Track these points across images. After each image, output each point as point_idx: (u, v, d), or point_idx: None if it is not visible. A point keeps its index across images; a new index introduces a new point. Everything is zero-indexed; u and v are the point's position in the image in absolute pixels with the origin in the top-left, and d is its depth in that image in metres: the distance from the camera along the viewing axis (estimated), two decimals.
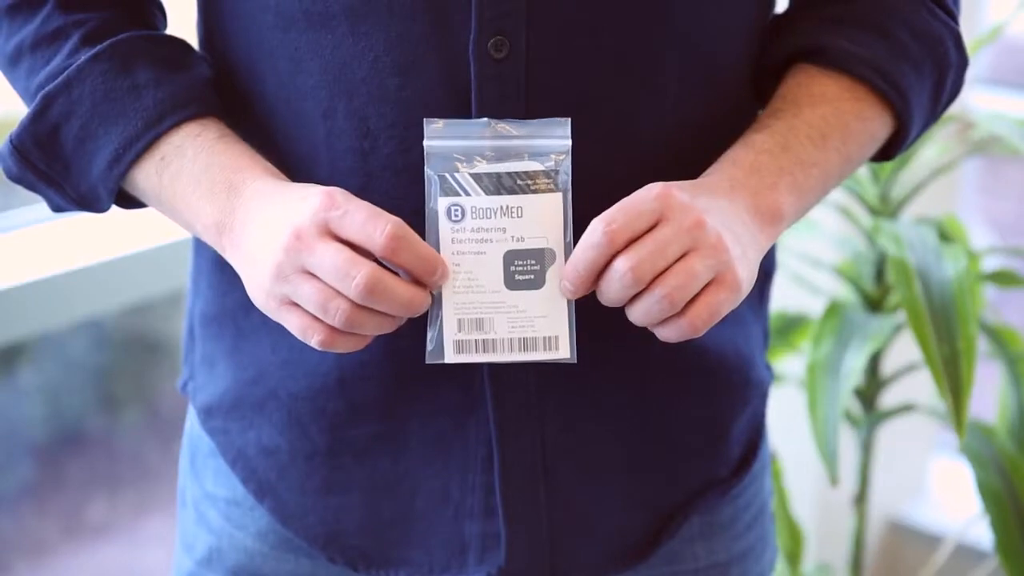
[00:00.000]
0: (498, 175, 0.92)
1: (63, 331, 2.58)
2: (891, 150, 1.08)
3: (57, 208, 1.03)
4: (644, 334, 1.03)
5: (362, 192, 0.98)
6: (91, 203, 1.02)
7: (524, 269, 0.92)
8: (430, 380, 1.02)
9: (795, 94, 1.03)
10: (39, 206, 2.02)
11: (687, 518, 1.11)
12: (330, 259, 0.89)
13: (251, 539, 1.11)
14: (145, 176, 0.99)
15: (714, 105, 1.03)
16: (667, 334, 0.93)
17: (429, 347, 0.93)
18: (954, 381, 1.42)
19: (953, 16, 1.08)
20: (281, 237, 0.91)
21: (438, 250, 0.92)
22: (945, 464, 2.52)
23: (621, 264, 0.90)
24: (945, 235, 1.70)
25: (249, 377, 1.08)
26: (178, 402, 1.20)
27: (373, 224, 0.89)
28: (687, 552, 1.12)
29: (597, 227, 0.90)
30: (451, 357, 0.93)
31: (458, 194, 0.92)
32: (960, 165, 2.15)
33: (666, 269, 0.90)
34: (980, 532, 2.32)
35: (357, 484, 1.07)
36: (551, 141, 0.92)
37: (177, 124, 0.98)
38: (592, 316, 1.02)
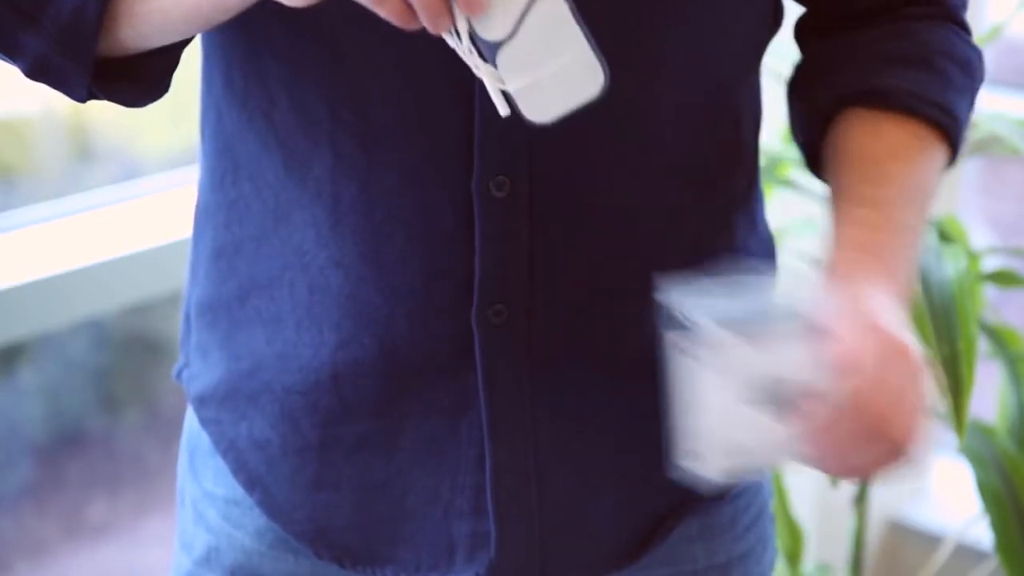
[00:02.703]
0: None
1: (63, 331, 2.58)
2: None
3: (34, 66, 0.97)
4: (637, 340, 1.03)
5: (365, 190, 0.99)
6: (76, 39, 0.95)
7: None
8: (424, 380, 1.02)
9: (870, 149, 1.03)
10: (39, 206, 2.03)
11: (681, 520, 1.10)
12: None
13: (249, 538, 1.11)
14: None
15: (714, 151, 1.04)
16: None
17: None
18: (954, 381, 1.42)
19: (971, 34, 1.09)
20: None
21: None
22: (945, 464, 2.52)
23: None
24: (945, 235, 1.70)
25: (244, 369, 1.08)
26: (178, 402, 1.20)
27: None
28: (686, 553, 1.12)
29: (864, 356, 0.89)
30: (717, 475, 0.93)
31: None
32: (960, 165, 2.15)
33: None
34: (980, 532, 2.32)
35: (347, 481, 1.07)
36: None
37: None
38: (586, 320, 1.02)
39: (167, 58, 1.01)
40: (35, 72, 0.98)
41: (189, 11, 0.94)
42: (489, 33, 0.83)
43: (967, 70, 1.06)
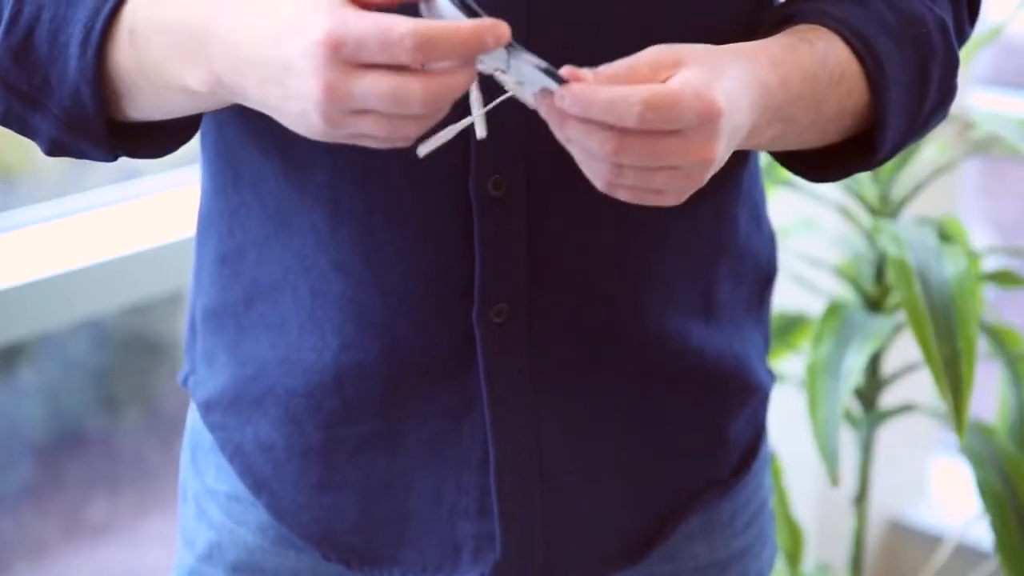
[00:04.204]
0: None
1: (63, 331, 2.58)
2: (874, 141, 1.00)
3: (52, 145, 0.97)
4: (640, 337, 1.03)
5: (363, 193, 0.99)
6: (82, 119, 0.95)
7: None
8: (426, 381, 1.02)
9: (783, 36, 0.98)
10: (39, 206, 2.03)
11: (684, 519, 1.11)
12: (376, 92, 0.82)
13: (251, 535, 1.11)
14: (121, 52, 0.93)
15: None
16: (590, 174, 0.89)
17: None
18: (954, 381, 1.42)
19: (937, 3, 1.03)
20: (310, 90, 0.83)
21: None
22: (945, 464, 2.52)
23: (612, 147, 0.85)
24: (945, 235, 1.70)
25: (249, 373, 1.08)
26: (178, 402, 1.21)
27: (391, 44, 0.80)
28: (687, 550, 1.12)
29: (634, 103, 0.84)
30: None
31: None
32: (960, 165, 2.15)
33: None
34: (980, 532, 2.32)
35: (351, 483, 1.07)
36: None
37: None
38: (587, 318, 1.02)
39: (189, 117, 1.00)
40: (53, 151, 0.98)
41: (177, 108, 0.95)
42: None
43: (905, 19, 0.99)
